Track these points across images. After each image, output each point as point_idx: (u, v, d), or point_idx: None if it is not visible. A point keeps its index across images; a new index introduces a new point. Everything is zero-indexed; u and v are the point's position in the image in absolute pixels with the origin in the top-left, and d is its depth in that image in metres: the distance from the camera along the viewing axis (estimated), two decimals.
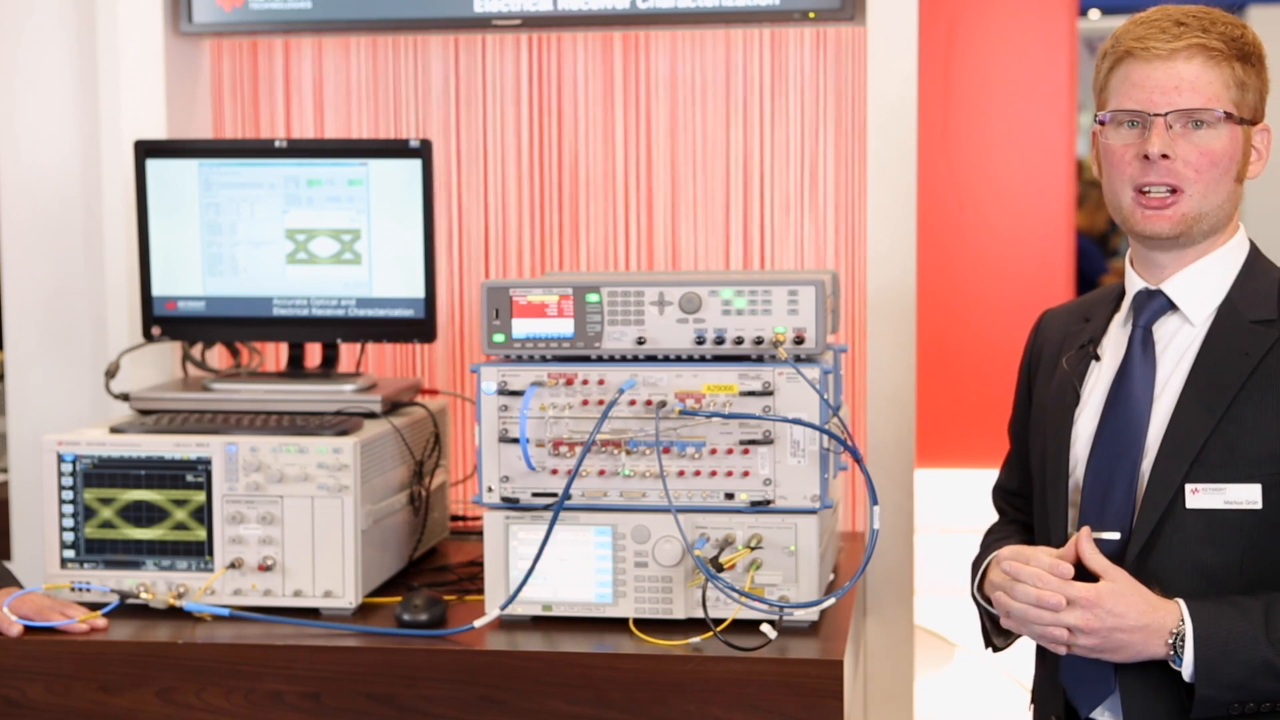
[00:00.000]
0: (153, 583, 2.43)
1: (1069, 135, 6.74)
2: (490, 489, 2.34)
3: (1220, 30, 1.98)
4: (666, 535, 2.28)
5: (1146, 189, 1.99)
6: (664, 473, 2.27)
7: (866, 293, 2.96)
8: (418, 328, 2.70)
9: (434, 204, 2.68)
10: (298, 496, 2.40)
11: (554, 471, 2.31)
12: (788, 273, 2.83)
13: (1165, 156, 1.96)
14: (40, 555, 2.56)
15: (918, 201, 2.91)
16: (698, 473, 2.28)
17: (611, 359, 2.33)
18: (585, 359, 2.34)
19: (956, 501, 5.73)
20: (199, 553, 2.43)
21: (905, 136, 2.90)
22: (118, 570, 2.44)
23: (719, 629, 2.18)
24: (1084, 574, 1.94)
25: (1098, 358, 2.11)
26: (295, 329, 2.74)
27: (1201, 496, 1.94)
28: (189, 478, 2.42)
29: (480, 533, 2.44)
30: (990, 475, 2.40)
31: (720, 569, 2.22)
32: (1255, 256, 2.07)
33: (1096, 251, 7.57)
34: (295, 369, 2.77)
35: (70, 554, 2.45)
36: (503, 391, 2.32)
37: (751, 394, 2.27)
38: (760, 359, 2.30)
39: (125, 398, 2.67)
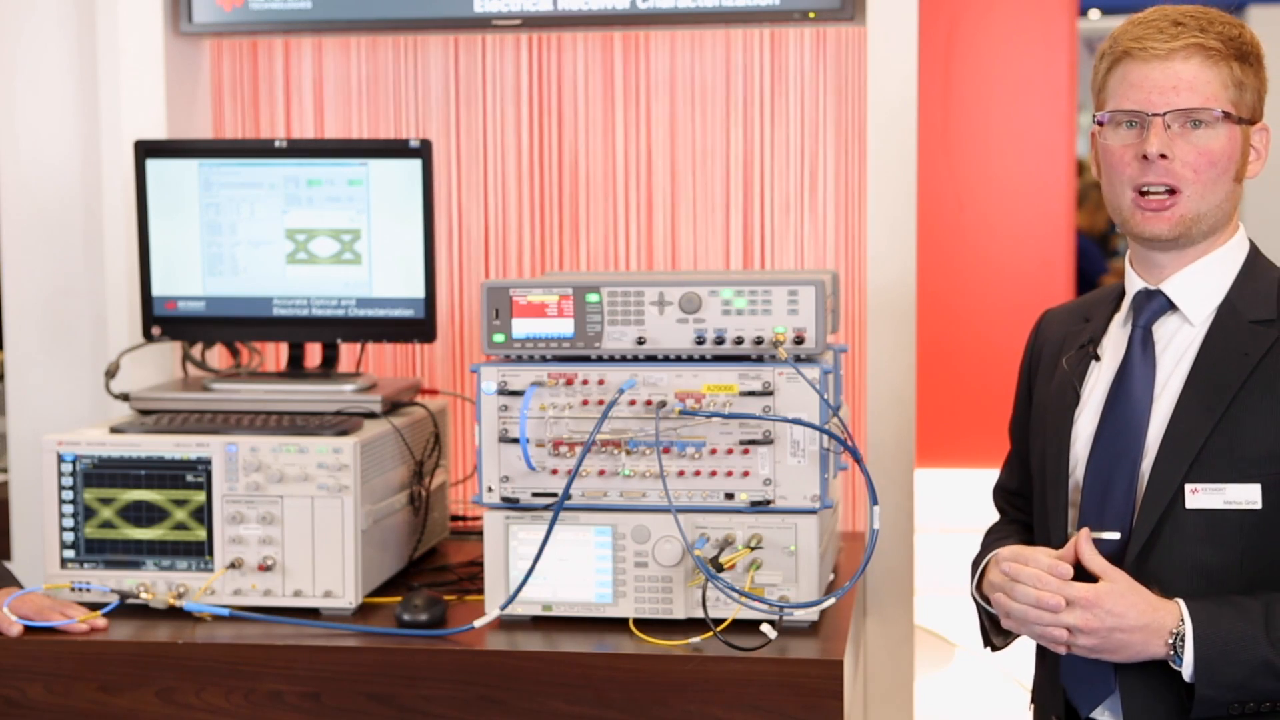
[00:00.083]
0: (153, 583, 2.43)
1: (1069, 135, 6.74)
2: (490, 489, 2.34)
3: (1218, 30, 1.98)
4: (666, 535, 2.28)
5: (1145, 190, 1.99)
6: (664, 473, 2.27)
7: (866, 293, 2.96)
8: (418, 328, 2.70)
9: (434, 204, 2.68)
10: (298, 496, 2.40)
11: (554, 471, 2.31)
12: (788, 273, 2.83)
13: (1163, 156, 1.96)
14: (40, 555, 2.56)
15: (918, 201, 2.91)
16: (698, 473, 2.28)
17: (611, 359, 2.33)
18: (585, 359, 2.34)
19: (956, 501, 5.74)
20: (199, 553, 2.43)
21: (905, 136, 2.90)
22: (118, 570, 2.44)
23: (719, 629, 2.18)
24: (1083, 575, 1.94)
25: (1098, 358, 2.11)
26: (295, 329, 2.74)
27: (1201, 496, 1.94)
28: (189, 478, 2.42)
29: (480, 533, 2.44)
30: (990, 475, 2.40)
31: (720, 569, 2.22)
32: (1255, 256, 2.07)
33: (1096, 251, 7.56)
34: (295, 369, 2.77)
35: (70, 554, 2.45)
36: (503, 391, 2.32)
37: (751, 394, 2.27)
38: (760, 359, 2.30)
39: (125, 398, 2.67)
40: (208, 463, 2.41)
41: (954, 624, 5.34)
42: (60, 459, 2.45)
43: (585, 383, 2.31)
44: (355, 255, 2.70)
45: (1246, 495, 1.93)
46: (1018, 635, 2.10)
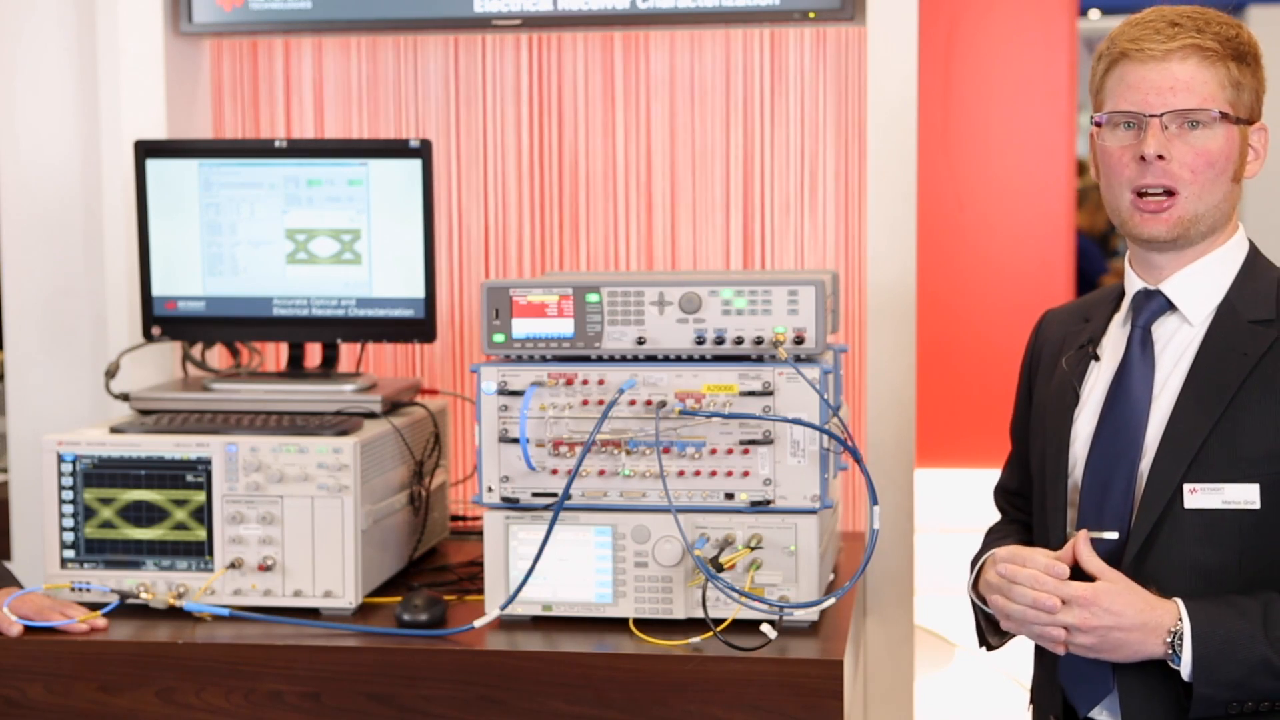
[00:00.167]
0: (153, 583, 2.43)
1: (1069, 135, 6.74)
2: (490, 489, 2.34)
3: (1215, 30, 1.98)
4: (666, 535, 2.28)
5: (1144, 192, 1.99)
6: (664, 473, 2.27)
7: (866, 293, 2.96)
8: (418, 328, 2.70)
9: (434, 204, 2.69)
10: (298, 496, 2.40)
11: (554, 471, 2.32)
12: (787, 273, 2.83)
13: (1161, 157, 1.96)
14: (40, 555, 2.57)
15: (918, 201, 2.91)
16: (698, 473, 2.28)
17: (611, 359, 2.33)
18: (585, 359, 2.34)
19: (956, 501, 5.74)
20: (199, 553, 2.43)
21: (905, 136, 2.90)
22: (118, 570, 2.44)
23: (719, 629, 2.18)
24: (1081, 576, 1.94)
25: (1097, 358, 2.11)
26: (295, 329, 2.74)
27: (1200, 496, 1.94)
28: (189, 478, 2.43)
29: (480, 533, 2.45)
30: (990, 475, 2.41)
31: (720, 569, 2.23)
32: (1254, 256, 2.07)
33: (1096, 251, 7.57)
34: (295, 369, 2.77)
35: (70, 554, 2.45)
36: (503, 391, 2.32)
37: (751, 394, 2.27)
38: (760, 359, 2.30)
39: (125, 398, 2.67)
40: (208, 463, 2.42)
41: (954, 624, 5.34)
42: (60, 459, 2.45)
43: (585, 383, 2.31)
44: (355, 255, 2.70)
45: (1245, 495, 1.93)
46: (1013, 635, 2.10)
